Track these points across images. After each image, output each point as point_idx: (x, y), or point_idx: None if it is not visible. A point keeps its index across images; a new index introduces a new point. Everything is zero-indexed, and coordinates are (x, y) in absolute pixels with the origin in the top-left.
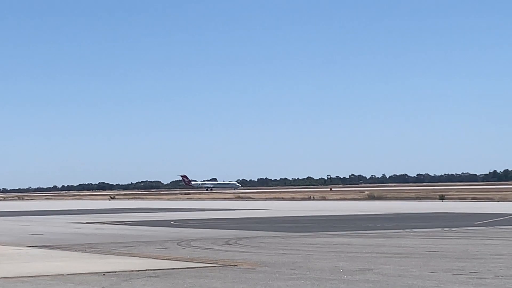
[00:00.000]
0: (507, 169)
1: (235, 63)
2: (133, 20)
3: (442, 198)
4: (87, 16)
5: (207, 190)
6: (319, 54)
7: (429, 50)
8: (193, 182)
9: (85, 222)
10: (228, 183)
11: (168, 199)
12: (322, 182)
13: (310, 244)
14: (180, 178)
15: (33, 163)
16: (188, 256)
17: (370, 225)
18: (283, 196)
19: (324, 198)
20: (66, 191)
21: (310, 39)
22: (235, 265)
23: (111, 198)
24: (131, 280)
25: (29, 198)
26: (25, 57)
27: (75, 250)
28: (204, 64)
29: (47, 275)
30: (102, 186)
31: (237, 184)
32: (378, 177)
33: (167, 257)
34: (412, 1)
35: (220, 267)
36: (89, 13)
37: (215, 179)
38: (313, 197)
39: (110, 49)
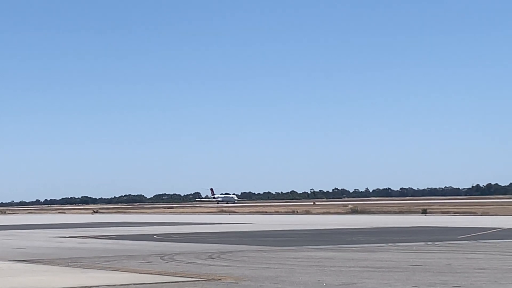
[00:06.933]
0: (490, 183)
1: (215, 78)
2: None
3: (425, 212)
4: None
5: (218, 203)
6: (302, 71)
7: (410, 66)
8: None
9: (67, 236)
10: (228, 196)
11: (152, 213)
12: (305, 196)
13: (294, 258)
14: (209, 190)
15: (15, 177)
16: (171, 270)
17: (353, 239)
18: (267, 210)
19: (307, 212)
20: (49, 205)
21: (292, 55)
22: (218, 279)
23: (94, 212)
24: None
25: (11, 212)
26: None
27: (58, 265)
28: (180, 79)
29: None
30: (85, 200)
31: (235, 198)
32: (361, 191)
33: (150, 271)
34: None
35: (203, 281)
36: (87, 24)
37: (198, 193)
38: (297, 211)
39: (97, 62)
